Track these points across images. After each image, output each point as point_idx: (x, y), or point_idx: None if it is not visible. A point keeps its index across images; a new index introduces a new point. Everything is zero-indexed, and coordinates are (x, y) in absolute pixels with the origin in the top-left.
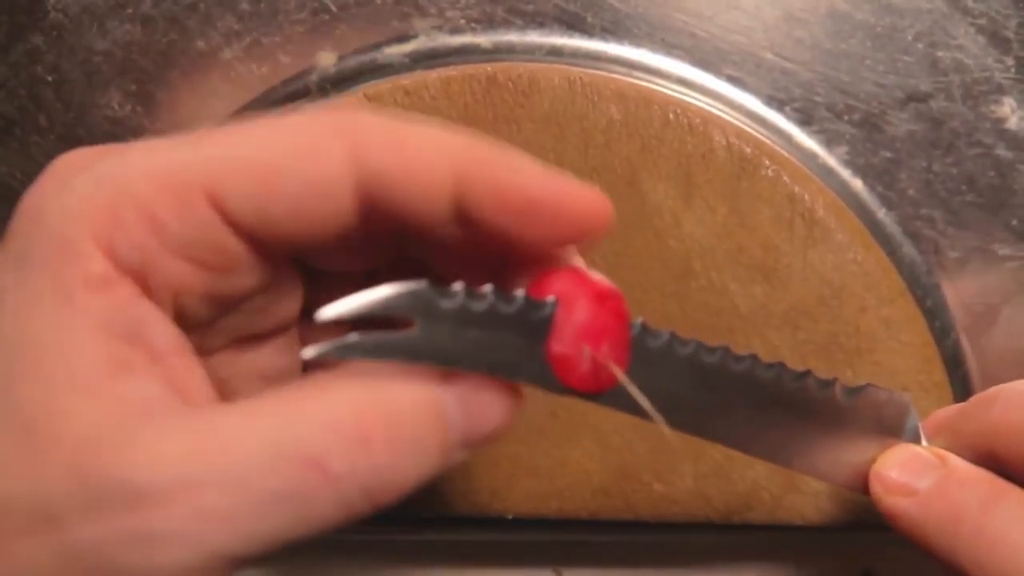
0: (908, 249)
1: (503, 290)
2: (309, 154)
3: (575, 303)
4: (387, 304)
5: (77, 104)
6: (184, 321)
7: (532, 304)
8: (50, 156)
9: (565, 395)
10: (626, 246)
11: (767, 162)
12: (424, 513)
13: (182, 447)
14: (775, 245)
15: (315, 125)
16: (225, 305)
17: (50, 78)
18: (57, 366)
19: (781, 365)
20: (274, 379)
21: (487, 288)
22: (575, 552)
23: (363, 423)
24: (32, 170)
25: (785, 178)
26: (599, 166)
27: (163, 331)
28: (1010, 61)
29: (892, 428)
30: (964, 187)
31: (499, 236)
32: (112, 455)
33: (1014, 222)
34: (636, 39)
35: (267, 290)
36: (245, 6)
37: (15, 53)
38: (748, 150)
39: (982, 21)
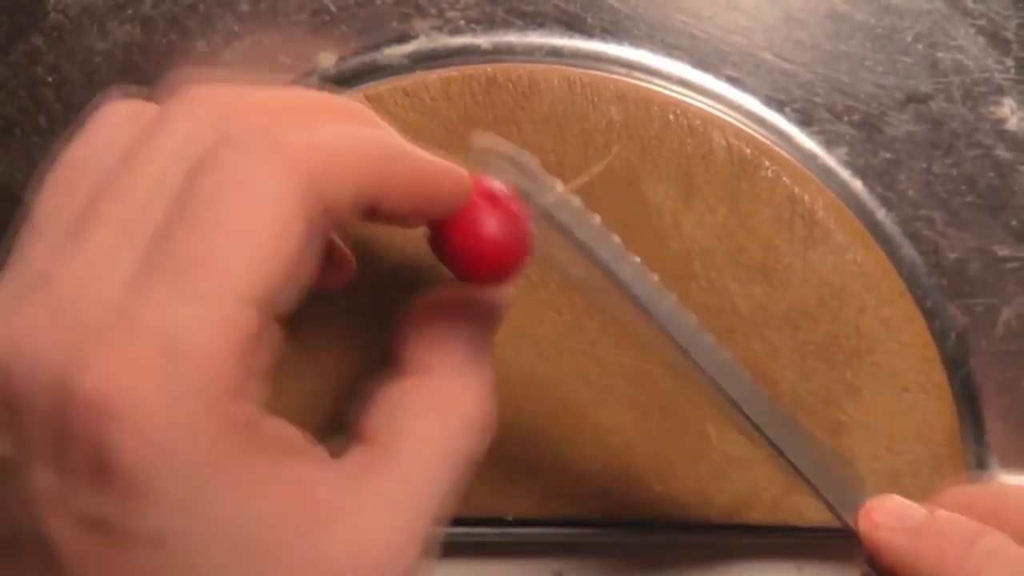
0: (908, 250)
1: None
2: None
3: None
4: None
5: (77, 105)
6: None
7: None
8: (50, 157)
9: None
10: (626, 246)
11: (767, 163)
12: None
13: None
14: (775, 246)
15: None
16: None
17: (50, 79)
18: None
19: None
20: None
21: None
22: (575, 552)
23: None
24: (32, 170)
25: (785, 179)
26: (599, 167)
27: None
28: (1010, 62)
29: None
30: (964, 188)
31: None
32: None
33: (1014, 223)
34: (636, 40)
35: None
36: (245, 7)
37: (15, 54)
38: (748, 151)
39: (982, 22)
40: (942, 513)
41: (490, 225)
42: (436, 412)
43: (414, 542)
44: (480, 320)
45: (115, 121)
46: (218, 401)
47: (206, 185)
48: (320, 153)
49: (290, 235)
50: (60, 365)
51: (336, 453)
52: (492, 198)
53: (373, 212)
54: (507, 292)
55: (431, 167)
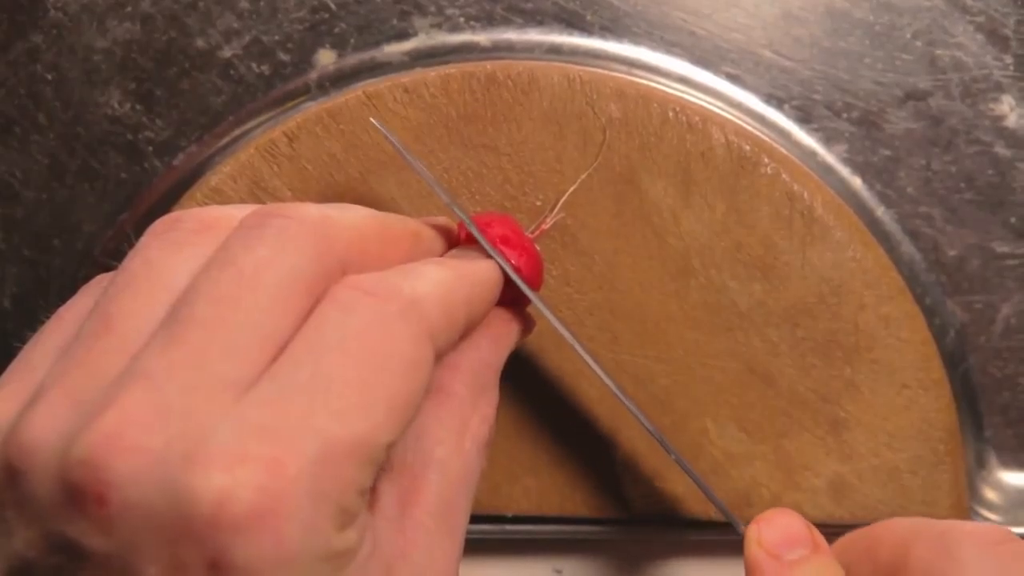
0: (907, 247)
1: None
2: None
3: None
4: None
5: (77, 102)
6: None
7: None
8: (50, 155)
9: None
10: (625, 244)
11: (766, 160)
12: None
13: None
14: (774, 243)
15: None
16: None
17: (50, 76)
18: None
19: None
20: None
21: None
22: (575, 549)
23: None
24: (32, 168)
25: (784, 176)
26: (598, 164)
27: None
28: (1009, 59)
29: None
30: (963, 185)
31: None
32: None
33: (1013, 220)
34: (635, 37)
35: None
36: (244, 4)
37: (15, 51)
38: (747, 148)
39: (981, 19)
40: (822, 552)
41: (514, 268)
42: (455, 436)
43: (456, 559)
44: (497, 344)
45: (189, 233)
46: (336, 509)
47: (338, 320)
48: (432, 303)
49: (420, 376)
50: (174, 464)
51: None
52: (505, 238)
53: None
54: (524, 319)
55: (488, 280)
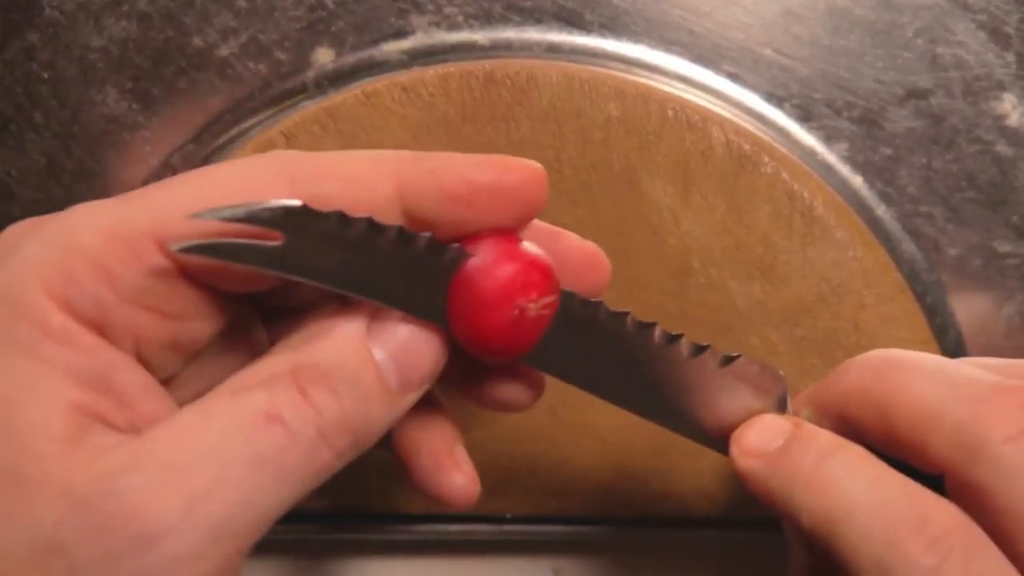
0: (908, 246)
1: (407, 230)
2: (254, 192)
3: (498, 258)
4: (259, 213)
5: (73, 101)
6: (151, 373)
7: (437, 247)
8: (46, 153)
9: (466, 348)
10: (624, 243)
11: (766, 159)
12: (424, 511)
13: (156, 446)
14: (774, 242)
15: (256, 166)
16: (189, 353)
17: (46, 75)
18: (29, 418)
19: (654, 324)
20: None
21: (362, 215)
22: (574, 550)
23: (299, 375)
24: (28, 167)
25: (784, 175)
26: (597, 163)
27: (131, 376)
28: (1010, 57)
29: (764, 399)
30: (964, 184)
31: (452, 228)
32: (97, 479)
33: (1014, 219)
34: (634, 35)
35: (227, 334)
36: (242, 3)
37: (10, 50)
38: (747, 147)
39: (982, 17)
40: (803, 430)
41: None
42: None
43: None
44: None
45: None
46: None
47: None
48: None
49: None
50: None
51: None
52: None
53: (419, 222)
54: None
55: (469, 160)
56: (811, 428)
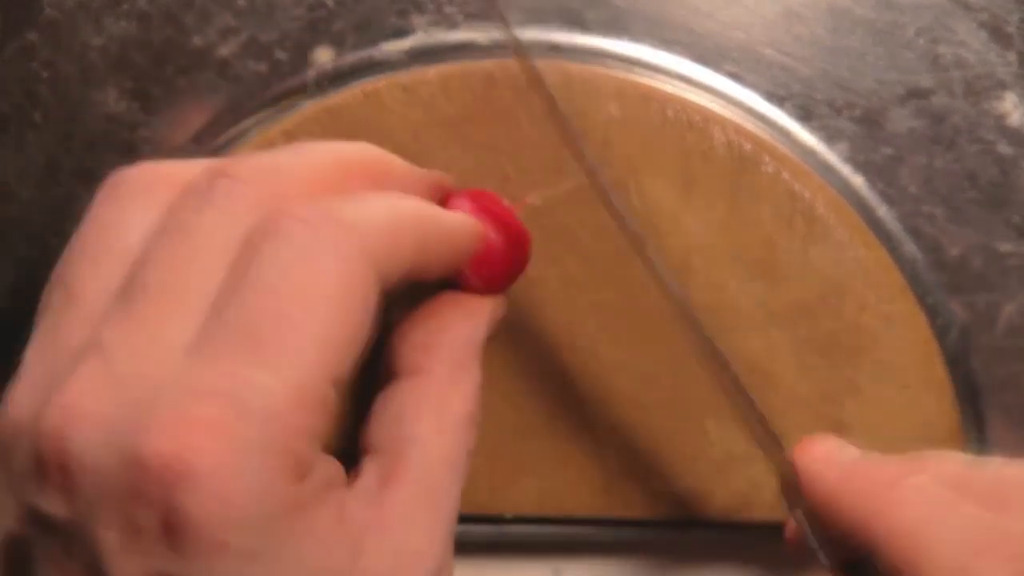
0: (909, 246)
1: None
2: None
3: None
4: None
5: (73, 101)
6: None
7: None
8: (45, 153)
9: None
10: (626, 243)
11: (767, 159)
12: None
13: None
14: (775, 242)
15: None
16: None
17: (45, 74)
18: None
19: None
20: None
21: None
22: (574, 550)
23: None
24: (28, 167)
25: (785, 175)
26: (598, 163)
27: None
28: (1012, 57)
29: None
30: (965, 184)
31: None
32: None
33: (1016, 219)
34: (635, 35)
35: None
36: (242, 2)
37: (10, 49)
38: (748, 147)
39: (984, 16)
40: (875, 454)
41: (495, 241)
42: (434, 415)
43: (439, 541)
44: (472, 322)
45: (137, 190)
46: (286, 461)
47: (269, 254)
48: (375, 228)
49: (357, 308)
50: (125, 430)
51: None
52: (490, 211)
53: (408, 278)
54: (500, 298)
55: (456, 227)
56: (879, 454)
